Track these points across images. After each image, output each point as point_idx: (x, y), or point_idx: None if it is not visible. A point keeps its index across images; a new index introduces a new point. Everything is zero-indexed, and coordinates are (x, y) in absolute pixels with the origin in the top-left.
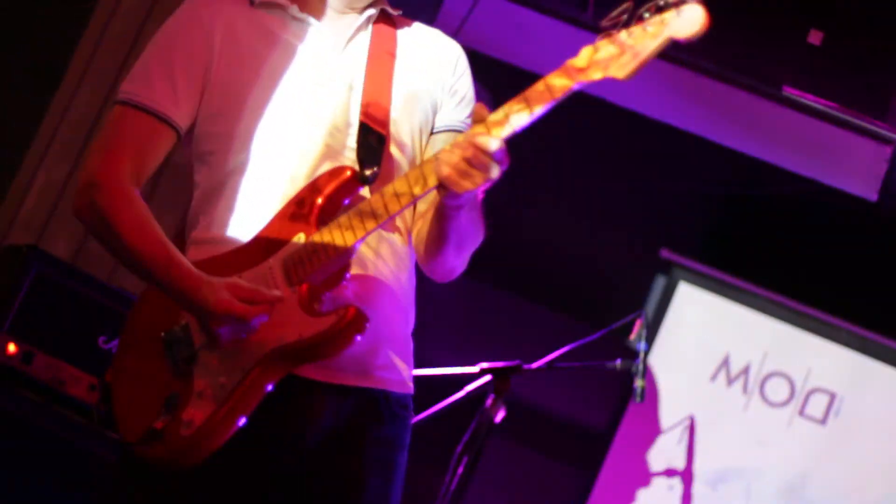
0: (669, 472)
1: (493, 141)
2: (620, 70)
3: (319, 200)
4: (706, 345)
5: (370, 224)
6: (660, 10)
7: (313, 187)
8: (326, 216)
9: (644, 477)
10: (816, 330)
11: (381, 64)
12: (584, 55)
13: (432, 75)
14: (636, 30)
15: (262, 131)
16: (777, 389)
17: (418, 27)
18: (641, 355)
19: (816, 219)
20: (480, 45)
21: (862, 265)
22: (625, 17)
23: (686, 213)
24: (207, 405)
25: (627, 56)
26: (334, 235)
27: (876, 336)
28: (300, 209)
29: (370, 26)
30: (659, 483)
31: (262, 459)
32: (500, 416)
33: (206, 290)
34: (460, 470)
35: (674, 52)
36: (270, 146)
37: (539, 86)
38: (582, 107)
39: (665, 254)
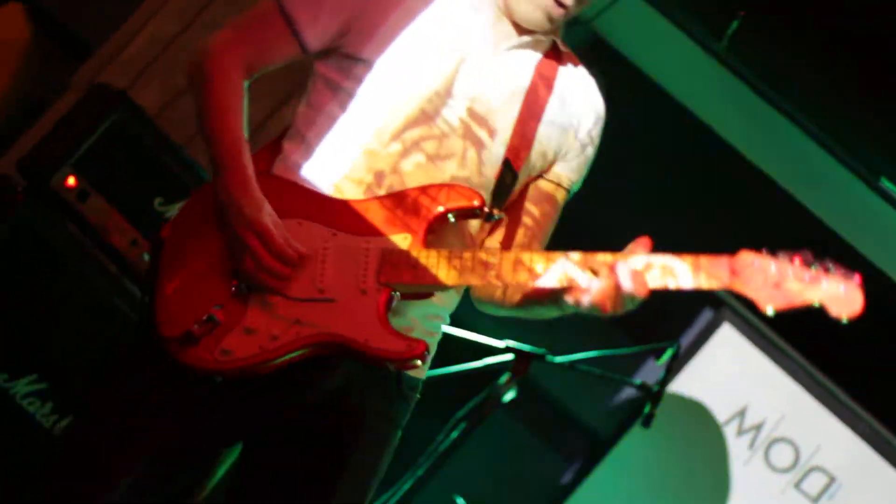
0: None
1: (642, 290)
2: (768, 301)
3: (437, 210)
4: (729, 389)
5: (481, 278)
6: (825, 269)
7: (436, 194)
8: (435, 228)
9: (629, 493)
10: (838, 412)
11: (537, 97)
12: (744, 262)
13: (572, 128)
14: (799, 277)
15: (394, 97)
16: (782, 455)
17: (579, 71)
18: (661, 384)
19: (880, 313)
20: (609, 35)
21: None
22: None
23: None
24: (252, 346)
25: (780, 294)
26: (443, 265)
27: (893, 437)
28: (412, 208)
29: (539, 53)
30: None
31: (269, 398)
32: (509, 396)
33: (250, 206)
34: (454, 434)
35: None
36: (394, 113)
37: (716, 263)
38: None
39: (721, 292)
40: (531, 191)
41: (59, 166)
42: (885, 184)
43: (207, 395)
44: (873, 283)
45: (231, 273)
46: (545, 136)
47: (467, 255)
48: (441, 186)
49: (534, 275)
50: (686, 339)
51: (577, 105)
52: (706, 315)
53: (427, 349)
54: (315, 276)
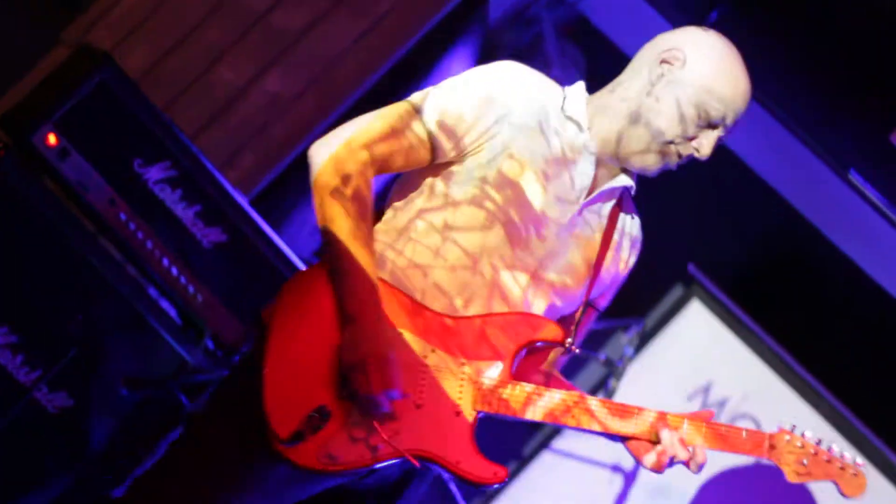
0: (615, 468)
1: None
2: (794, 475)
3: (526, 340)
4: (694, 366)
5: (563, 419)
6: (842, 458)
7: (525, 323)
8: (519, 358)
9: (589, 462)
10: (803, 392)
11: (607, 244)
12: (781, 438)
13: (613, 269)
14: (821, 457)
15: (470, 195)
16: (743, 423)
17: (635, 221)
18: (625, 359)
19: (847, 299)
20: (593, 16)
21: (874, 358)
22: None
23: (727, 243)
24: (355, 453)
25: (804, 470)
26: (531, 402)
27: (857, 422)
28: (503, 332)
29: (615, 199)
30: (601, 473)
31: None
32: None
33: (374, 336)
34: None
35: (763, 96)
36: (469, 208)
37: (758, 438)
38: None
39: (692, 268)
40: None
41: (41, 124)
42: (853, 177)
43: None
44: (843, 270)
45: (339, 375)
46: (603, 273)
47: (563, 398)
48: (532, 316)
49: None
50: (654, 315)
51: (625, 250)
52: (676, 291)
53: (507, 476)
54: (415, 391)
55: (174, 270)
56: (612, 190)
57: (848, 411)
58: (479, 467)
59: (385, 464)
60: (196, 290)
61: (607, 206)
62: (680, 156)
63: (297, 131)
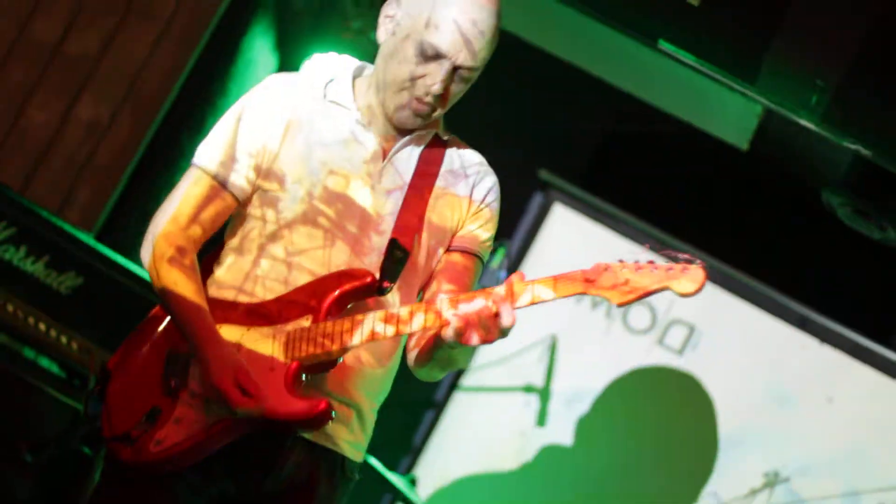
0: (527, 388)
1: (510, 315)
2: (618, 297)
3: (335, 294)
4: (575, 267)
5: (364, 335)
6: (671, 261)
7: (333, 280)
8: (335, 309)
9: (501, 389)
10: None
11: (422, 186)
12: (597, 271)
13: (463, 202)
14: (645, 270)
15: (300, 212)
16: (639, 317)
17: (465, 153)
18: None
19: (690, 159)
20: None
21: (728, 205)
22: (642, 256)
23: (569, 141)
24: (180, 432)
25: (628, 288)
26: (337, 332)
27: (736, 271)
28: (313, 294)
29: (422, 147)
30: (515, 399)
31: (221, 489)
32: None
33: (216, 362)
34: None
35: None
36: (304, 227)
37: (571, 276)
38: None
39: (544, 175)
40: (441, 265)
41: None
42: (664, 45)
43: (170, 493)
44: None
45: (162, 376)
46: (436, 216)
47: (360, 317)
48: (343, 271)
49: (402, 322)
50: (522, 230)
51: (463, 180)
52: (536, 200)
53: (329, 406)
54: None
55: (41, 326)
56: (409, 150)
57: (727, 266)
58: (294, 405)
59: (220, 437)
60: (69, 339)
61: (411, 164)
62: (419, 100)
63: (121, 153)
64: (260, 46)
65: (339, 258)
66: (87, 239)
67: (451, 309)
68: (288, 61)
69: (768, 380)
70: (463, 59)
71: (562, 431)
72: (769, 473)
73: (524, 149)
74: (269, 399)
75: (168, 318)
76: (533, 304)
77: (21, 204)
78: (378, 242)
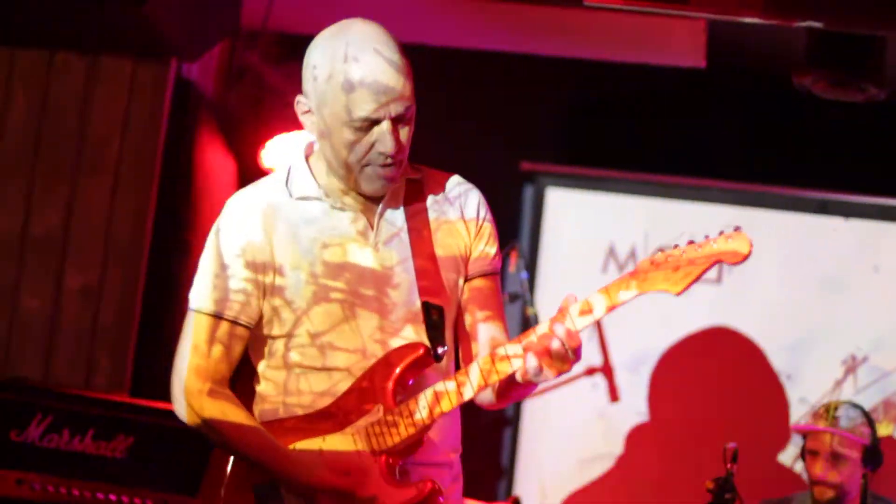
0: (590, 371)
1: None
2: (674, 286)
3: (395, 374)
4: (588, 241)
5: (447, 405)
6: (707, 238)
7: (386, 362)
8: (400, 390)
9: (566, 383)
10: (687, 196)
11: (418, 227)
12: (644, 269)
13: (460, 226)
14: (689, 250)
15: (310, 295)
16: None
17: (441, 179)
18: (525, 285)
19: (658, 96)
20: (292, 24)
21: (710, 125)
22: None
23: (537, 126)
24: None
25: (681, 275)
26: (414, 411)
27: (747, 186)
28: (373, 382)
29: (401, 196)
30: (582, 384)
31: None
32: None
33: (306, 469)
34: None
35: None
36: (320, 308)
37: (613, 288)
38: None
39: (526, 166)
40: (466, 295)
41: None
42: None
43: None
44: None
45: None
46: (442, 249)
47: (430, 391)
48: (395, 350)
49: (488, 385)
50: (525, 227)
51: (451, 205)
52: (529, 192)
53: (434, 484)
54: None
55: (112, 497)
56: (390, 213)
57: (735, 184)
58: (402, 494)
59: None
60: (143, 500)
61: (399, 213)
62: (384, 166)
63: (122, 306)
64: (211, 155)
65: (367, 326)
66: (123, 399)
67: (518, 354)
68: (244, 156)
69: (811, 272)
70: (395, 109)
71: (637, 398)
72: (846, 360)
73: (498, 150)
74: (376, 500)
75: (231, 456)
76: (594, 318)
77: (49, 392)
78: (396, 296)
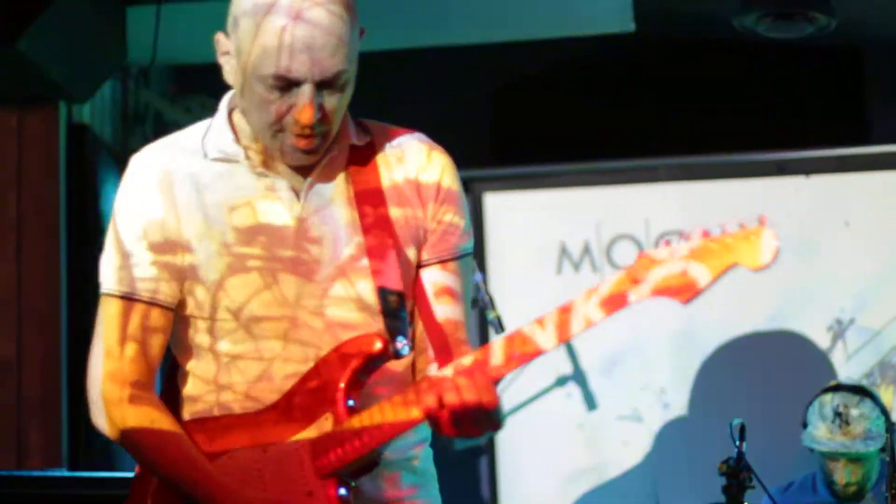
0: (561, 380)
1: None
2: (681, 296)
3: (347, 376)
4: (537, 244)
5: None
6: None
7: (333, 359)
8: (353, 394)
9: (538, 398)
10: (634, 178)
11: (374, 210)
12: (643, 266)
13: (418, 202)
14: (699, 248)
15: (225, 267)
16: (624, 252)
17: (396, 143)
18: (482, 286)
19: (591, 71)
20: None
21: (654, 93)
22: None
23: (459, 127)
24: None
25: (689, 284)
26: (372, 423)
27: (698, 158)
28: (323, 382)
29: (344, 172)
30: (555, 395)
31: None
32: None
33: (229, 499)
34: None
35: None
36: (235, 279)
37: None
38: None
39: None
40: (425, 287)
41: None
42: None
43: None
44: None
45: None
46: (399, 232)
47: (394, 401)
48: (347, 344)
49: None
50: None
51: (404, 169)
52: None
53: None
54: (259, 500)
55: None
56: (325, 177)
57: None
58: None
59: None
60: None
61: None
62: (300, 136)
63: (45, 376)
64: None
65: (291, 291)
66: (62, 473)
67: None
68: None
69: (781, 238)
70: (321, 72)
71: (616, 402)
72: (832, 325)
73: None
74: None
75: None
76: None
77: None
78: (318, 252)
